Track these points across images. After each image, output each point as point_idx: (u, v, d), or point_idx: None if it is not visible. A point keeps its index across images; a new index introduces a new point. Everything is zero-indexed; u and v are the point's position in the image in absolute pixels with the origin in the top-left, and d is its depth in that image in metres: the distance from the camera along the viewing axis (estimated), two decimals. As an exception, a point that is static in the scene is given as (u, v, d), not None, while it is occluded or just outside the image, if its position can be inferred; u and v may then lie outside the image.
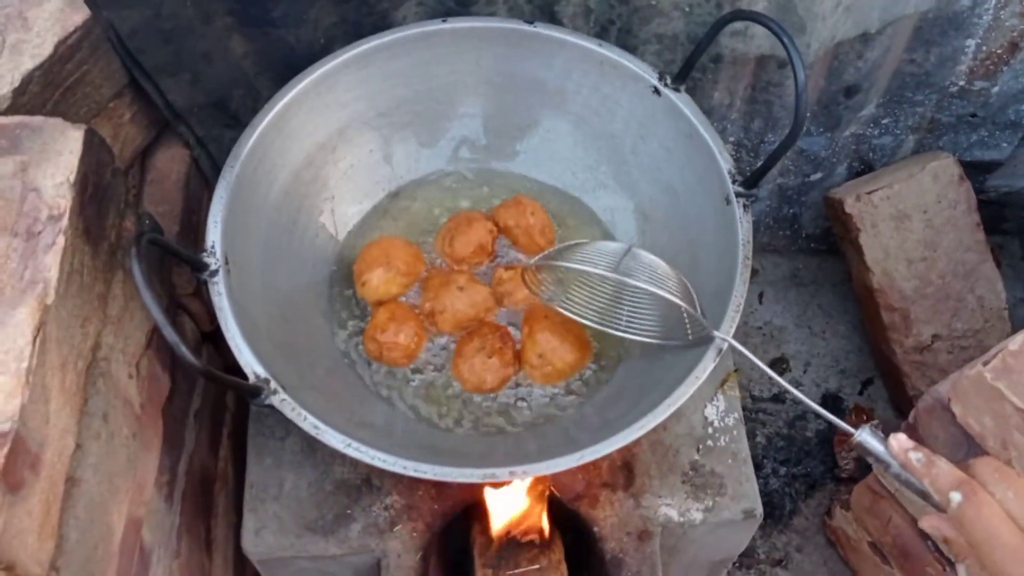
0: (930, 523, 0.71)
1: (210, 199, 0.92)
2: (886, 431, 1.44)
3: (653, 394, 0.88)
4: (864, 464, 1.52)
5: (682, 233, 1.04)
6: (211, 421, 1.17)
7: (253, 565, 1.02)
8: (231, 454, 1.22)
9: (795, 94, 0.86)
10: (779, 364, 1.64)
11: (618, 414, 0.91)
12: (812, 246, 1.71)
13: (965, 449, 1.06)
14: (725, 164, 0.97)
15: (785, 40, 0.86)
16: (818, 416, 0.85)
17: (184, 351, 0.70)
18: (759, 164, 1.38)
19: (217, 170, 1.11)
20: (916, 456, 0.72)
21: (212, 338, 1.16)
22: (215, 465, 1.17)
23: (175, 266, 1.06)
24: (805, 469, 1.55)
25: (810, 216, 1.63)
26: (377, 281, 1.03)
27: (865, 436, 0.75)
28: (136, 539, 0.90)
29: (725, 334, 0.88)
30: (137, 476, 0.91)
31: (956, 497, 0.67)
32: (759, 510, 1.02)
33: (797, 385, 1.63)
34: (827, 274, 1.73)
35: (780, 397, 1.61)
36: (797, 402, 0.90)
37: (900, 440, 0.73)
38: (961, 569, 0.71)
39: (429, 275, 1.06)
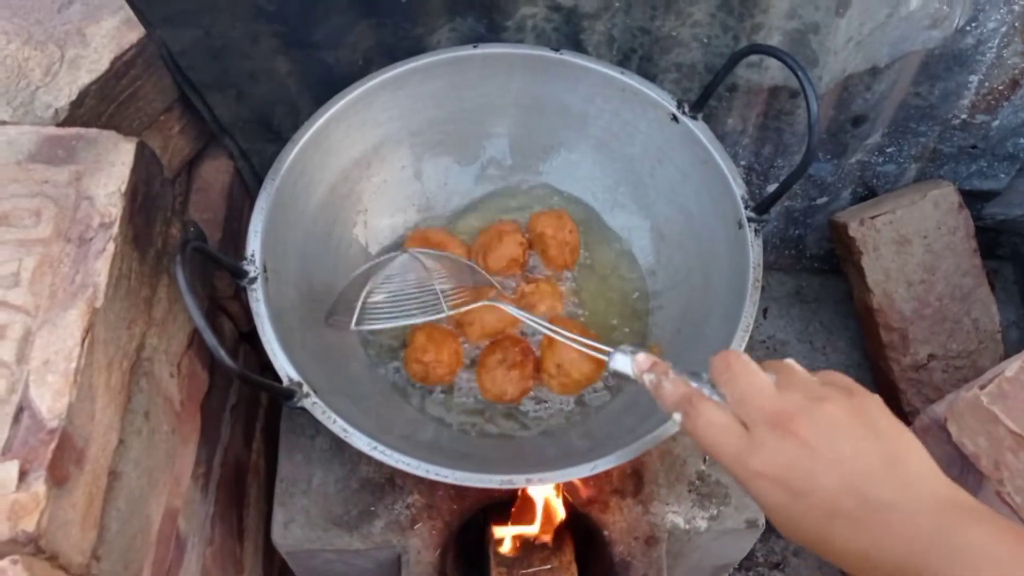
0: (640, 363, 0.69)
1: (251, 208, 0.91)
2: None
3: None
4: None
5: (696, 253, 1.03)
6: (246, 416, 1.16)
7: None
8: (263, 447, 1.21)
9: (807, 126, 0.85)
10: (781, 376, 1.62)
11: (629, 425, 0.90)
12: (816, 266, 1.69)
13: (959, 468, 1.05)
14: (738, 190, 0.96)
15: (800, 75, 0.85)
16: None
17: (222, 355, 0.69)
18: (768, 187, 1.39)
19: (258, 181, 1.11)
20: (649, 378, 0.67)
21: (249, 338, 1.16)
22: (248, 457, 1.16)
23: (216, 270, 1.05)
24: (803, 477, 1.53)
25: (815, 237, 1.61)
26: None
27: (615, 361, 0.69)
28: (173, 528, 0.89)
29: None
30: (175, 469, 0.91)
31: (677, 418, 0.63)
32: (761, 520, 1.00)
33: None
34: (829, 292, 1.70)
35: (781, 408, 1.59)
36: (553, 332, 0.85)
37: (639, 361, 0.68)
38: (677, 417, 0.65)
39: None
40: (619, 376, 0.70)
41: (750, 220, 0.94)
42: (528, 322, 0.90)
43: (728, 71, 0.98)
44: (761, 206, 0.94)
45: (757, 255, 0.92)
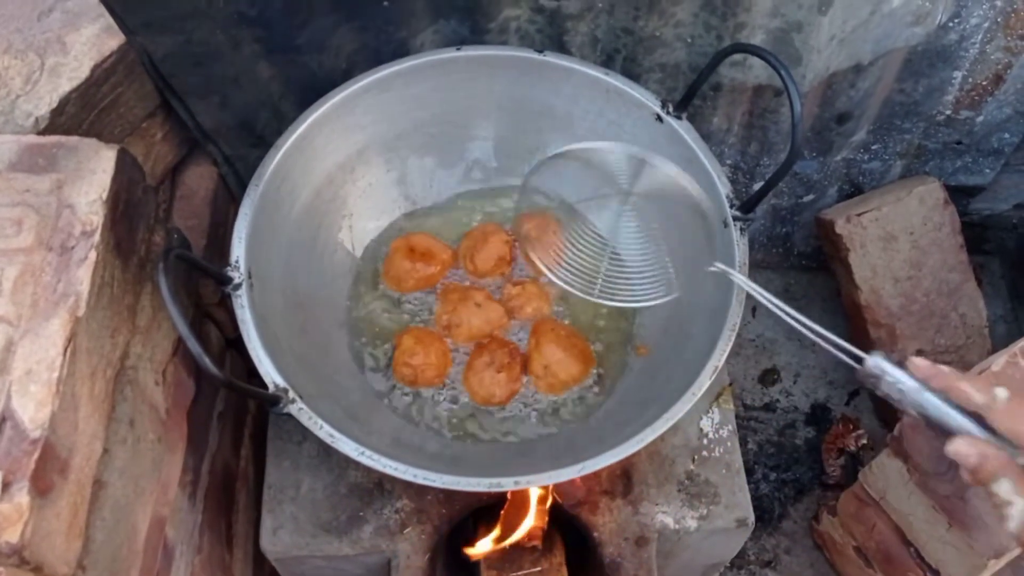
0: (957, 448, 0.61)
1: (236, 214, 0.91)
2: (872, 440, 1.43)
3: (651, 408, 0.86)
4: (850, 472, 1.50)
5: (682, 253, 1.03)
6: (233, 422, 1.16)
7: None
8: (252, 453, 1.21)
9: (791, 124, 0.85)
10: (771, 374, 1.63)
11: (618, 426, 0.90)
12: (803, 263, 1.69)
13: (947, 462, 1.05)
14: (723, 189, 0.96)
15: (783, 73, 0.85)
16: (817, 339, 0.77)
17: (207, 362, 0.69)
18: (755, 185, 1.39)
19: (243, 187, 1.10)
20: (945, 369, 0.63)
21: (235, 344, 1.15)
22: (237, 464, 1.16)
23: (201, 277, 1.05)
24: (794, 475, 1.53)
25: (802, 235, 1.61)
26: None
27: (878, 360, 0.66)
28: (160, 537, 0.89)
29: (721, 353, 0.86)
30: (162, 477, 0.90)
31: (1003, 393, 0.60)
32: (751, 519, 1.01)
33: (787, 395, 1.61)
34: (817, 290, 1.71)
35: (771, 406, 1.60)
36: (801, 325, 0.81)
37: (920, 361, 0.65)
38: (1004, 486, 0.59)
39: (447, 288, 1.05)
40: (876, 379, 0.66)
41: (735, 219, 0.94)
42: (766, 302, 0.83)
43: (712, 70, 0.98)
44: (746, 205, 0.94)
45: (743, 254, 0.92)
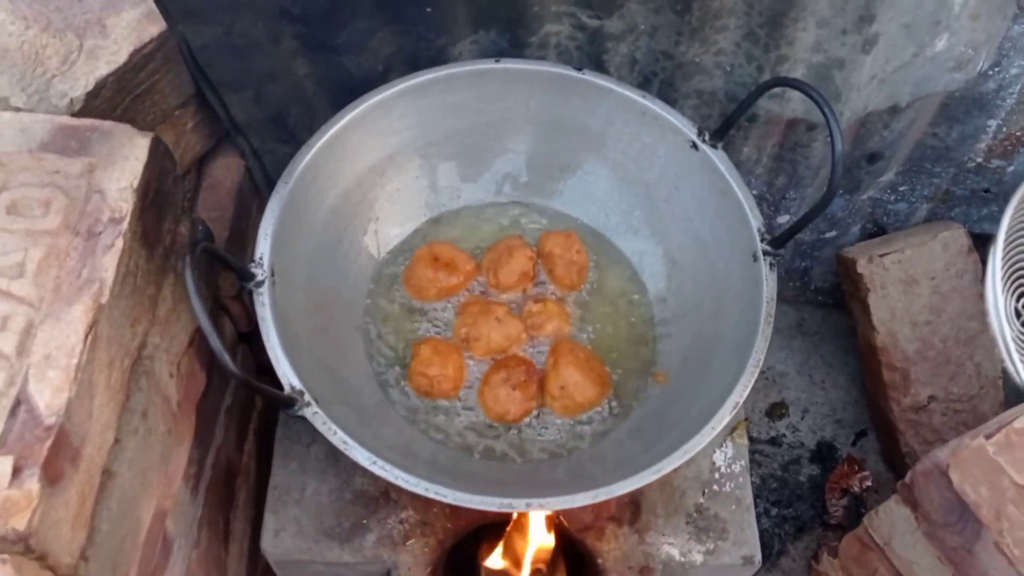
0: None
1: (260, 209, 0.90)
2: (876, 483, 1.41)
3: (666, 437, 0.85)
4: (852, 513, 1.49)
5: (708, 282, 1.02)
6: (240, 417, 1.15)
7: (266, 560, 0.99)
8: (255, 450, 1.19)
9: (831, 162, 0.84)
10: (779, 409, 1.62)
11: (633, 453, 0.89)
12: (820, 299, 1.68)
13: (958, 515, 1.03)
14: (755, 222, 0.95)
15: (827, 111, 0.84)
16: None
17: (226, 360, 0.68)
18: (779, 218, 1.38)
19: (268, 181, 1.10)
20: None
21: (247, 338, 1.14)
22: (239, 460, 1.15)
23: (220, 269, 1.04)
24: (796, 512, 1.52)
25: (821, 271, 1.60)
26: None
27: None
28: (161, 529, 0.88)
29: (743, 388, 0.85)
30: (168, 470, 0.89)
31: None
32: (758, 557, 0.99)
33: (794, 431, 1.60)
34: (832, 327, 1.70)
35: (777, 440, 1.58)
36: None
37: None
38: None
39: (468, 301, 1.04)
40: None
41: (766, 253, 0.93)
42: None
43: (753, 102, 0.97)
44: (778, 240, 0.93)
45: (771, 289, 0.91)
